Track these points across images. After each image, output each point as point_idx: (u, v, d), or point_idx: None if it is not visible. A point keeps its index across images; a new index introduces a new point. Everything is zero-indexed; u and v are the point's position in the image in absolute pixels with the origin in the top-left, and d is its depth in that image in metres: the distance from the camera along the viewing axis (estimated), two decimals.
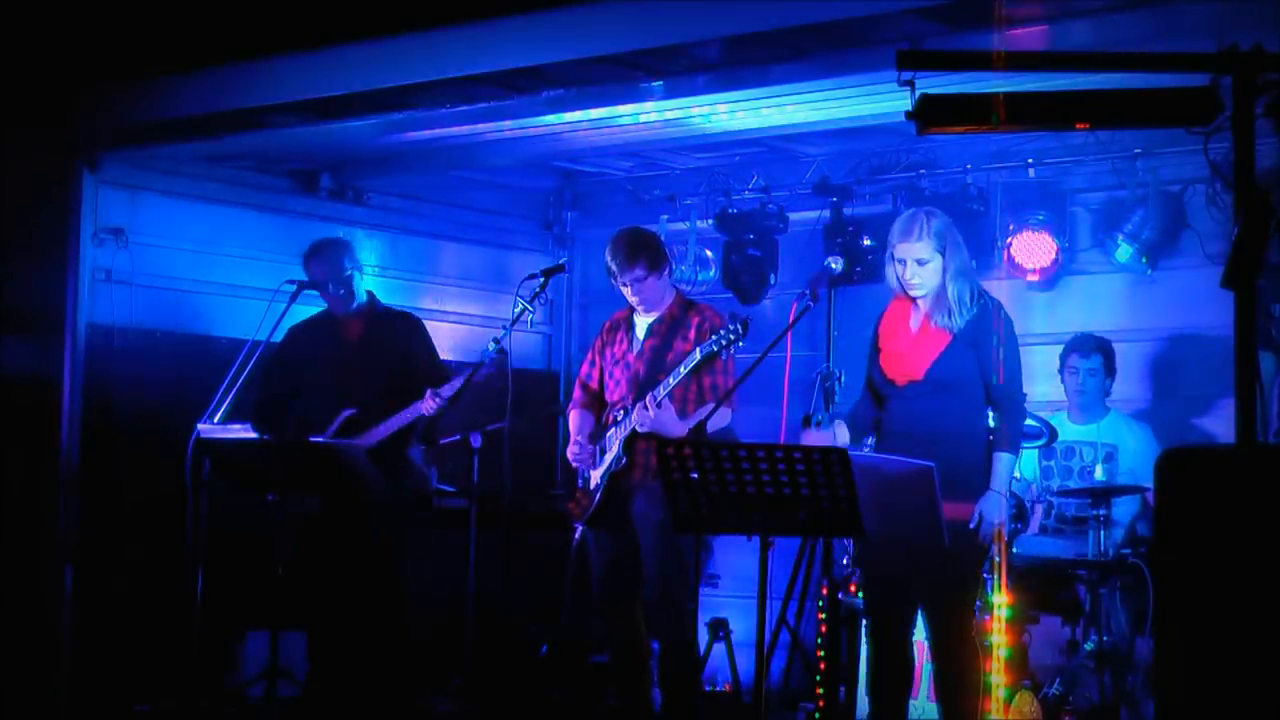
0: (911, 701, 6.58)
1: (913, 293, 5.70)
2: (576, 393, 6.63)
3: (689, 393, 6.26)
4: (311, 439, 6.81)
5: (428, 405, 6.85)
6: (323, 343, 7.17)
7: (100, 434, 7.71)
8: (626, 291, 6.38)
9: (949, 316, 5.62)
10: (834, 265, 5.65)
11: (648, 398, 6.15)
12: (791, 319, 6.07)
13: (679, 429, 6.13)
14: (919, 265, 5.64)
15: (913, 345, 5.70)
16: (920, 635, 5.90)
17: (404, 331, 7.21)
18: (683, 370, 6.11)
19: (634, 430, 6.22)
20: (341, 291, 7.11)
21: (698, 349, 6.08)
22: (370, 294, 7.27)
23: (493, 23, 6.43)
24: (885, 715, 5.76)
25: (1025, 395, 5.76)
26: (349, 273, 7.13)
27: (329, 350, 7.14)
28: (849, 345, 7.54)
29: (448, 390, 6.82)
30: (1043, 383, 7.66)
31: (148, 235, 8.03)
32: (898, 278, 5.70)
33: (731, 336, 6.02)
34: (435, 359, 7.21)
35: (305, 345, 7.21)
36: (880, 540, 5.44)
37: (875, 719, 5.84)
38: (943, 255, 5.63)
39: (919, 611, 5.71)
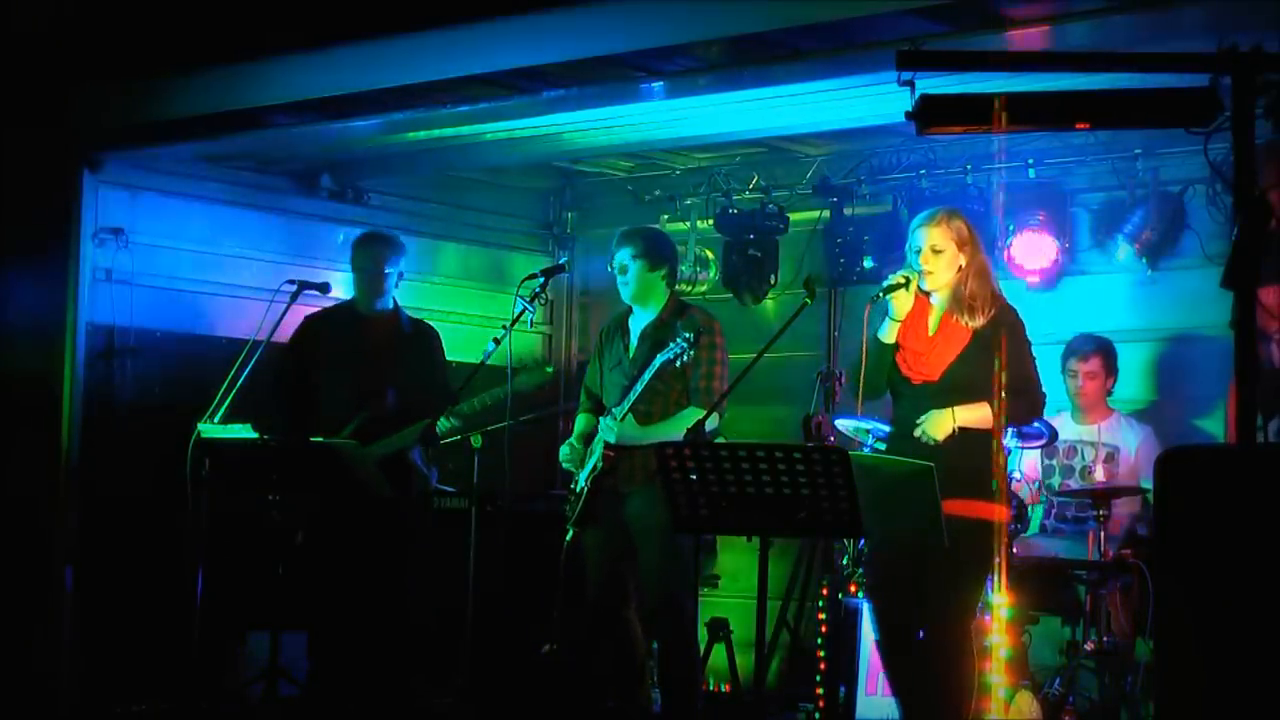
0: (869, 698, 6.59)
1: (927, 284, 5.71)
2: (582, 396, 6.66)
3: (670, 397, 6.28)
4: (312, 439, 6.80)
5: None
6: (343, 338, 7.13)
7: (100, 434, 7.70)
8: (618, 278, 6.40)
9: (970, 314, 5.64)
10: (901, 281, 5.72)
11: (610, 412, 6.21)
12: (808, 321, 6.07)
13: (644, 440, 6.14)
14: (934, 254, 5.68)
15: (931, 345, 5.71)
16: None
17: (429, 344, 7.23)
18: (639, 386, 6.16)
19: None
20: (377, 289, 7.09)
21: (658, 359, 6.11)
22: (396, 300, 7.26)
23: (493, 23, 6.42)
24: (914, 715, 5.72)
25: (1043, 396, 5.81)
26: (390, 272, 7.12)
27: (350, 347, 7.09)
28: (850, 346, 7.52)
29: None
30: (1043, 383, 7.66)
31: (148, 235, 8.02)
32: (915, 267, 5.71)
33: (678, 350, 6.06)
34: (447, 376, 7.22)
35: (323, 338, 7.16)
36: (884, 540, 5.44)
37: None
38: (961, 251, 5.66)
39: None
